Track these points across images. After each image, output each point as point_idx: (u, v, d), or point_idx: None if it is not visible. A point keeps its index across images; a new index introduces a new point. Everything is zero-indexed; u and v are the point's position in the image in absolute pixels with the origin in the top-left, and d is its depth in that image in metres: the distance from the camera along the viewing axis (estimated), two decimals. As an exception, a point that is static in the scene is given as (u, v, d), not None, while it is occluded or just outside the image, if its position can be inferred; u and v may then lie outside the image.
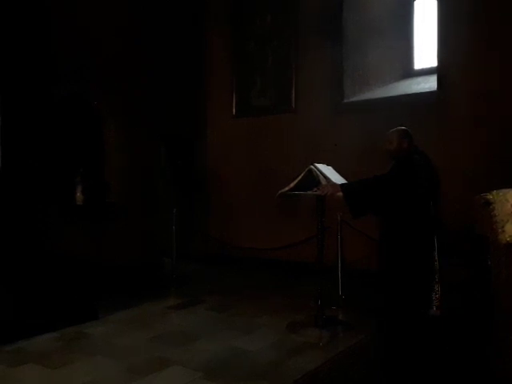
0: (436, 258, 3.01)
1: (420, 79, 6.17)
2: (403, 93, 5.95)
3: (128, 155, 5.87)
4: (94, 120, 5.55)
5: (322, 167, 4.09)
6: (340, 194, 3.28)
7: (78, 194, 4.98)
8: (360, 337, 3.97)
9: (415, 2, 6.42)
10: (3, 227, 4.17)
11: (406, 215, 3.03)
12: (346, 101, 6.21)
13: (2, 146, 4.42)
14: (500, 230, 2.87)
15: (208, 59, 7.38)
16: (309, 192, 3.99)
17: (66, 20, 5.13)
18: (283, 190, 4.20)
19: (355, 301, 4.85)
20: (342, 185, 3.42)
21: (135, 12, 6.02)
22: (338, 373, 3.34)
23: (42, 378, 3.27)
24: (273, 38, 6.78)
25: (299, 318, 4.44)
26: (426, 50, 6.35)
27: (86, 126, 5.48)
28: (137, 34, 5.99)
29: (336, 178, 3.98)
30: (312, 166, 4.04)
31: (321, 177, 3.93)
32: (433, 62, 5.99)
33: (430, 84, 5.74)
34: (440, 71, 5.48)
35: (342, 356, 3.62)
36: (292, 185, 4.14)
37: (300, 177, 4.11)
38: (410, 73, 6.41)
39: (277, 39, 6.73)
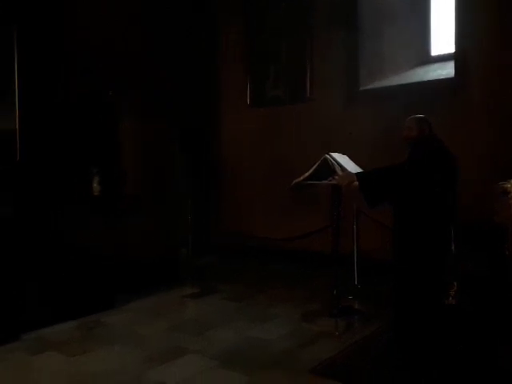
0: (453, 248, 2.98)
1: (437, 66, 6.06)
2: (420, 80, 5.85)
3: (143, 146, 5.90)
4: (110, 112, 5.59)
5: (338, 156, 4.06)
6: (356, 183, 3.26)
7: (95, 185, 5.03)
8: (376, 326, 3.96)
9: (432, -13, 6.30)
10: (23, 218, 4.23)
11: (423, 204, 3.00)
12: (361, 89, 6.13)
13: (20, 138, 4.47)
14: (518, 219, 2.82)
15: (222, 50, 7.34)
16: (324, 181, 3.98)
17: (82, 16, 5.15)
18: (298, 180, 4.18)
19: (371, 290, 4.84)
20: (358, 174, 3.40)
21: (148, 4, 6.01)
22: (354, 362, 3.34)
23: (61, 365, 3.33)
24: (287, 26, 6.71)
25: (314, 308, 4.44)
26: (443, 36, 6.23)
27: (103, 118, 5.52)
28: (151, 26, 5.99)
29: (351, 167, 3.95)
30: (327, 155, 4.01)
31: (336, 166, 3.90)
32: (450, 48, 5.87)
33: (448, 71, 5.63)
34: (457, 57, 5.38)
35: (358, 345, 3.62)
36: (307, 174, 4.12)
37: (315, 166, 4.08)
38: (426, 59, 6.30)
39: (291, 28, 6.66)
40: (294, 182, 4.21)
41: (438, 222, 3.02)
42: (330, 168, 3.94)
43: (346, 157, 4.18)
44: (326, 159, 4.00)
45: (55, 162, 4.75)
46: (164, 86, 6.14)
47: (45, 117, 4.71)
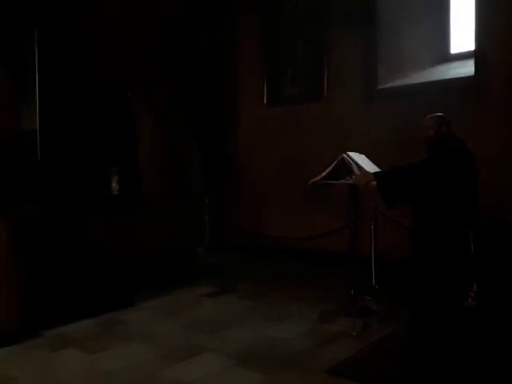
0: (472, 248, 2.94)
1: (457, 64, 5.98)
2: (439, 78, 5.78)
3: (161, 146, 5.95)
4: (128, 112, 5.65)
5: (355, 155, 4.03)
6: (373, 182, 3.24)
7: (114, 185, 5.09)
8: (393, 327, 3.93)
9: (452, -16, 6.21)
10: (43, 217, 4.30)
11: (441, 204, 2.97)
12: (379, 87, 6.08)
13: (40, 139, 4.54)
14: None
15: (239, 49, 7.36)
16: (341, 181, 3.96)
17: (98, 17, 5.21)
18: (315, 179, 4.17)
19: (389, 291, 4.80)
20: (376, 173, 3.38)
21: (166, 4, 6.05)
22: (371, 362, 3.33)
23: (81, 362, 3.38)
24: (304, 24, 6.69)
25: (331, 307, 4.43)
26: (462, 34, 6.15)
27: (121, 117, 5.58)
28: (168, 26, 6.04)
29: (369, 167, 3.93)
30: (344, 155, 3.99)
31: (353, 165, 3.88)
32: (470, 45, 5.80)
33: (467, 69, 5.56)
34: (477, 55, 5.30)
35: (375, 346, 3.60)
36: (324, 174, 4.11)
37: (332, 165, 4.07)
38: (446, 57, 6.22)
39: (308, 26, 6.64)
40: (311, 181, 4.20)
41: (457, 223, 2.98)
42: (347, 167, 3.92)
43: (363, 156, 4.16)
44: (343, 158, 3.98)
45: (75, 162, 4.81)
46: (181, 85, 6.18)
47: (64, 116, 4.78)
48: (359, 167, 3.84)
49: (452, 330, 2.90)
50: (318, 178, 4.13)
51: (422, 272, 3.03)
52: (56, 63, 4.71)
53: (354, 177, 3.70)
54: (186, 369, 3.25)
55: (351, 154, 4.02)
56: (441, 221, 2.98)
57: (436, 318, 2.93)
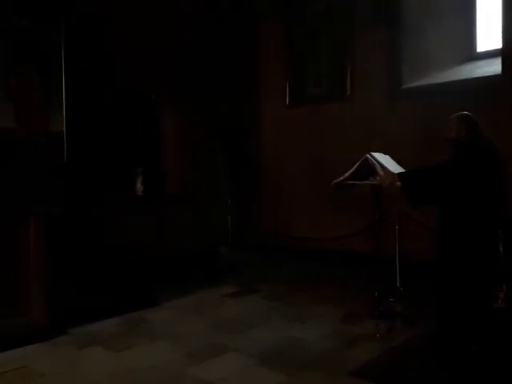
0: (501, 249, 2.89)
1: (483, 63, 5.87)
2: (465, 77, 5.69)
3: (185, 147, 6.01)
4: (152, 113, 5.72)
5: (379, 156, 4.00)
6: (398, 183, 3.21)
7: (138, 185, 5.15)
8: (418, 330, 3.89)
9: (478, -19, 6.11)
10: (69, 218, 4.39)
11: (467, 205, 2.92)
12: (404, 87, 6.02)
13: (67, 140, 4.63)
14: None
15: (262, 50, 7.37)
16: (365, 182, 3.93)
17: (123, 18, 5.29)
18: (338, 180, 4.15)
19: (414, 293, 4.74)
20: (400, 174, 3.34)
21: (187, 6, 6.10)
22: (395, 365, 3.29)
23: (107, 360, 3.44)
24: (327, 24, 6.66)
25: (355, 309, 4.40)
26: (489, 32, 6.04)
27: (146, 118, 5.65)
28: (191, 27, 6.08)
29: (393, 167, 3.89)
30: (368, 155, 3.96)
31: (377, 166, 3.85)
32: (497, 43, 5.68)
33: (494, 67, 5.45)
34: (505, 53, 5.19)
35: (400, 348, 3.57)
36: (347, 174, 4.08)
37: (356, 166, 4.04)
38: (472, 56, 6.12)
39: (331, 25, 6.61)
40: (334, 182, 4.18)
41: (485, 223, 2.93)
42: (370, 168, 3.89)
43: (387, 156, 4.12)
44: (366, 159, 3.95)
45: (100, 163, 4.89)
46: (204, 86, 6.22)
47: (90, 118, 4.86)
48: (383, 168, 3.81)
49: (482, 333, 2.85)
50: (341, 178, 4.11)
51: (451, 273, 2.98)
52: (82, 65, 4.79)
53: (378, 177, 3.66)
54: (209, 368, 3.27)
55: (375, 154, 3.99)
56: (467, 221, 2.93)
57: (466, 320, 2.88)
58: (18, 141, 4.40)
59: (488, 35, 6.06)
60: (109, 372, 3.22)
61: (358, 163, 4.03)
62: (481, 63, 5.90)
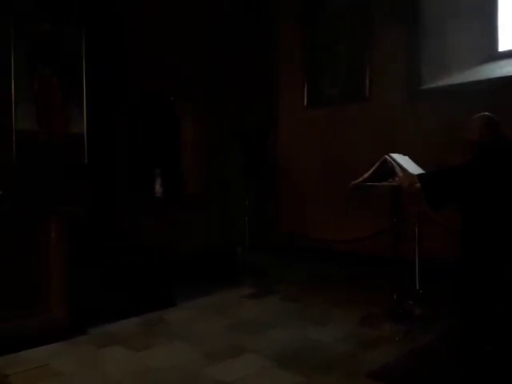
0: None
1: (504, 62, 5.78)
2: (486, 77, 5.61)
3: (203, 148, 6.04)
4: (171, 115, 5.76)
5: (398, 157, 3.96)
6: (417, 184, 3.17)
7: (157, 187, 5.20)
8: (437, 333, 3.85)
9: (499, -20, 6.01)
10: (89, 218, 4.44)
11: (490, 207, 2.88)
12: (423, 87, 5.96)
13: (88, 142, 4.69)
14: None
15: (280, 50, 7.37)
16: (384, 183, 3.90)
17: (142, 20, 5.34)
18: (356, 181, 4.13)
19: (433, 295, 4.69)
20: (420, 175, 3.30)
21: (205, 6, 6.12)
22: (413, 369, 3.26)
23: (126, 359, 3.47)
24: (346, 24, 6.63)
25: (374, 311, 4.37)
26: (510, 31, 5.94)
27: (164, 120, 5.69)
28: (207, 28, 6.11)
29: (413, 169, 3.85)
30: (387, 156, 3.93)
31: (396, 167, 3.81)
32: (519, 43, 5.60)
33: (516, 67, 5.37)
34: (527, 53, 5.12)
35: (418, 352, 3.53)
36: (366, 176, 4.06)
37: (374, 167, 4.01)
38: (493, 56, 6.02)
39: (350, 25, 6.58)
40: (352, 183, 4.16)
41: (505, 223, 2.87)
42: (390, 169, 3.85)
43: (407, 158, 4.08)
44: (385, 160, 3.92)
45: (120, 165, 4.95)
46: (222, 87, 6.24)
47: (109, 119, 4.92)
48: (402, 169, 3.77)
49: (497, 333, 2.80)
50: (360, 179, 4.09)
51: (476, 275, 2.93)
52: (102, 67, 4.85)
53: (397, 179, 3.63)
54: (227, 368, 3.28)
55: (394, 155, 3.95)
56: (487, 221, 2.88)
57: (491, 323, 2.83)
58: (40, 142, 4.49)
59: (509, 34, 5.97)
60: (128, 371, 3.25)
61: (376, 164, 4.00)
62: (502, 63, 5.81)
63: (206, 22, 6.07)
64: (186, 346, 3.69)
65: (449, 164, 3.18)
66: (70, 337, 3.79)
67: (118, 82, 4.98)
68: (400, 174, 3.70)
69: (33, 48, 4.43)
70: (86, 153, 4.72)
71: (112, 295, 4.25)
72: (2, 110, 4.29)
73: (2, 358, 3.38)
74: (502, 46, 6.03)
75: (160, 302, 4.59)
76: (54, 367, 3.30)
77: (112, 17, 4.94)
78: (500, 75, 5.49)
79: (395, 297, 4.14)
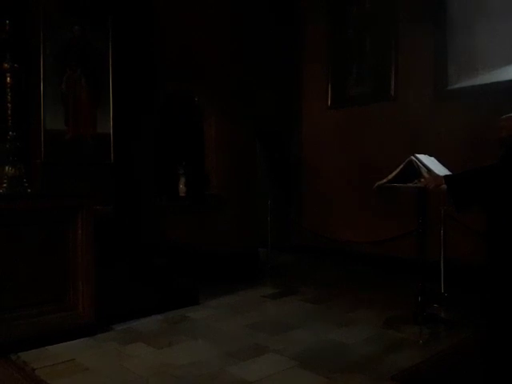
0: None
1: (534, 61, 5.65)
2: (515, 77, 5.49)
3: (226, 149, 6.06)
4: (195, 116, 5.80)
5: (424, 158, 3.91)
6: (443, 186, 3.12)
7: (181, 186, 5.25)
8: (462, 336, 3.78)
9: (530, -23, 5.86)
10: (115, 216, 4.51)
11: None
12: (450, 87, 5.86)
13: (114, 142, 4.76)
14: None
15: (304, 50, 7.36)
16: (409, 184, 3.86)
17: (171, 24, 5.38)
18: (381, 182, 4.09)
19: (458, 298, 4.62)
20: (446, 176, 3.25)
21: (229, 7, 6.14)
22: (438, 372, 3.21)
23: (149, 356, 3.51)
24: (371, 23, 6.58)
25: (397, 314, 4.32)
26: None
27: (188, 121, 5.74)
28: (232, 27, 6.12)
29: (439, 170, 3.79)
30: (413, 157, 3.88)
31: (422, 168, 3.76)
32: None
33: (546, 66, 5.24)
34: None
35: (443, 355, 3.47)
36: (391, 177, 4.02)
37: (399, 168, 3.97)
38: (522, 55, 5.89)
39: (375, 24, 6.52)
40: (377, 184, 4.12)
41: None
42: (415, 170, 3.81)
43: (433, 158, 4.02)
44: (411, 161, 3.88)
45: (145, 164, 5.00)
46: (245, 89, 6.26)
47: (135, 119, 4.98)
48: (428, 170, 3.72)
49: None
50: (385, 180, 4.05)
51: (502, 279, 2.87)
52: (128, 69, 4.91)
53: (422, 180, 3.58)
54: (249, 368, 3.28)
55: (420, 156, 3.91)
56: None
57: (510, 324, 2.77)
58: (68, 141, 4.58)
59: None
60: (151, 368, 3.29)
61: (402, 165, 3.96)
62: (531, 62, 5.67)
63: (231, 22, 6.08)
64: (208, 344, 3.72)
65: (476, 165, 3.12)
66: (95, 333, 3.86)
67: (143, 82, 5.04)
68: (426, 175, 3.65)
69: (61, 50, 4.52)
70: (111, 152, 4.79)
71: (136, 293, 4.30)
72: (31, 109, 4.39)
73: (29, 352, 3.46)
74: (532, 44, 5.88)
75: (183, 300, 4.63)
76: (79, 362, 3.36)
77: (138, 19, 5.00)
78: (529, 75, 5.37)
79: (420, 299, 4.08)
